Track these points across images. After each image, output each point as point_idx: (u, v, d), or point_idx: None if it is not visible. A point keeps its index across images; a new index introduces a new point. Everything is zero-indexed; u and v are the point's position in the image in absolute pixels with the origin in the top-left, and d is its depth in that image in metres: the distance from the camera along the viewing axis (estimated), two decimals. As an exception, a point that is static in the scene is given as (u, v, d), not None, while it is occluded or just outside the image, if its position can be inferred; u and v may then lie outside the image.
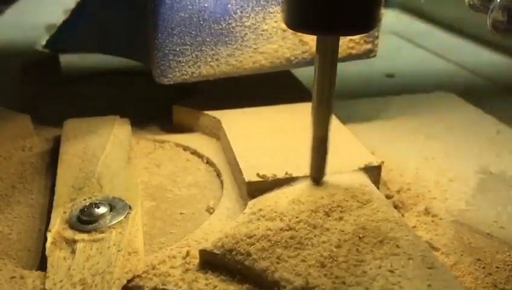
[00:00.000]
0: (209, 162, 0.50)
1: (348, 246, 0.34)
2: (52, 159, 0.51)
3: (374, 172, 0.44)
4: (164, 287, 0.34)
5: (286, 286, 0.32)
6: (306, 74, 0.68)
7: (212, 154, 0.51)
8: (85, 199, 0.41)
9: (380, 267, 0.33)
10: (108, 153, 0.48)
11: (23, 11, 1.04)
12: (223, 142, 0.51)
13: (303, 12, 0.35)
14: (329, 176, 0.42)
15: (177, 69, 0.51)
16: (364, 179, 0.43)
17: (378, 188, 0.44)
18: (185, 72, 0.51)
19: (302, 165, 0.43)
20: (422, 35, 1.02)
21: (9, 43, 0.59)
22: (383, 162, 0.45)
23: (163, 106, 0.57)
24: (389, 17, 1.21)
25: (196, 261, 0.36)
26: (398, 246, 0.34)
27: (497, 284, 0.36)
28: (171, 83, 0.52)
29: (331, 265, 0.33)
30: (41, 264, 0.37)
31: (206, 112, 0.55)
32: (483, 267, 0.38)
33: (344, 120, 0.54)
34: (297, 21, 0.35)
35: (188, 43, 0.50)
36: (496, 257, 0.39)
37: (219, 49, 0.52)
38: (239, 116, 0.53)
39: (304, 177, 0.42)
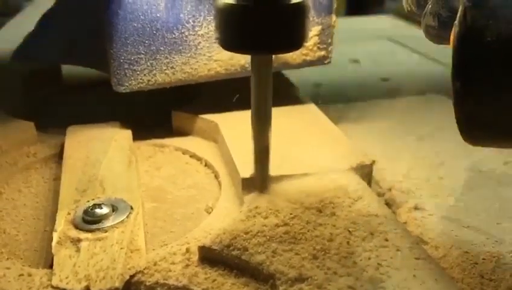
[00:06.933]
0: (207, 165, 0.52)
1: (339, 239, 0.36)
2: (56, 165, 0.53)
3: (365, 171, 0.46)
4: (165, 281, 0.35)
5: (281, 277, 0.33)
6: (302, 76, 0.70)
7: (211, 157, 0.52)
8: (89, 201, 0.42)
9: (369, 259, 0.34)
10: (110, 157, 0.49)
11: (24, 23, 1.05)
12: (221, 144, 0.53)
13: (236, 35, 0.37)
14: (322, 175, 0.44)
15: (132, 78, 0.52)
16: (356, 178, 0.44)
17: (369, 186, 0.45)
18: (141, 80, 0.52)
19: (296, 164, 0.45)
20: (417, 40, 1.03)
21: (12, 53, 0.61)
22: (374, 161, 0.46)
23: (162, 111, 0.59)
24: (385, 23, 1.23)
25: (196, 257, 0.37)
26: (387, 239, 0.36)
27: (484, 274, 0.38)
28: (128, 91, 0.53)
29: (323, 257, 0.35)
30: (48, 263, 0.39)
31: (203, 116, 0.57)
32: (471, 259, 0.39)
33: (338, 121, 0.55)
34: (232, 43, 0.37)
35: (142, 52, 0.51)
36: (483, 249, 0.40)
37: (173, 58, 0.52)
38: (236, 119, 0.55)
39: (298, 175, 0.44)
